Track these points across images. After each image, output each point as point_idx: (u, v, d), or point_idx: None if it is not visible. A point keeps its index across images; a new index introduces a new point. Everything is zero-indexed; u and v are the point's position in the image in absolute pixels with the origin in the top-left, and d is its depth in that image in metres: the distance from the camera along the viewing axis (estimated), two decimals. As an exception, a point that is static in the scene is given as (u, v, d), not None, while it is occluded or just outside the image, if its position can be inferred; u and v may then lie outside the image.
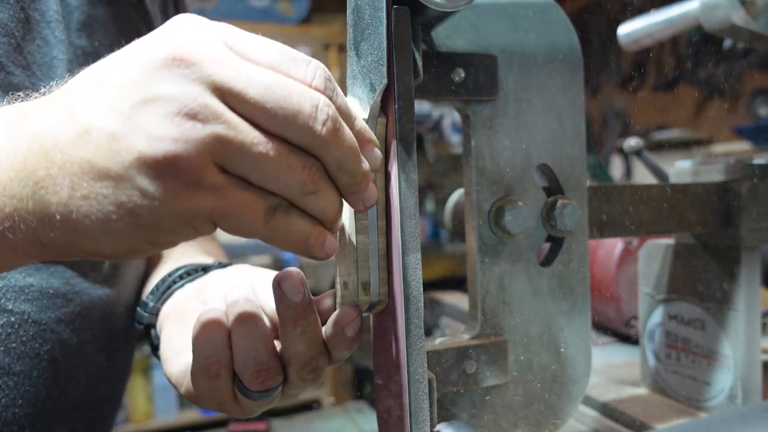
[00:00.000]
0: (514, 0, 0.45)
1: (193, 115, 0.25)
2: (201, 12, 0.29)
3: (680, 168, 0.59)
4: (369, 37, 0.33)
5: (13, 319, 0.45)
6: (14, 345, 0.45)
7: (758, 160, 0.58)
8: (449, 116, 2.82)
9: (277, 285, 0.34)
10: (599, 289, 0.83)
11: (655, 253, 0.61)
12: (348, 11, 0.36)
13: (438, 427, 0.38)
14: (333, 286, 0.37)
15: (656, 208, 0.51)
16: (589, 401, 0.62)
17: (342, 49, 2.72)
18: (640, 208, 0.50)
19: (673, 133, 2.70)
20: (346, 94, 0.34)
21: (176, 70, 0.26)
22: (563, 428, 0.48)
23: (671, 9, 0.58)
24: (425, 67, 0.40)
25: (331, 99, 0.29)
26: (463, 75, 0.42)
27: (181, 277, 0.49)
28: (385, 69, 0.32)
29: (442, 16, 0.36)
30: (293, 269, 0.35)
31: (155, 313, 0.48)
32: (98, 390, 0.54)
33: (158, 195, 0.25)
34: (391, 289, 0.34)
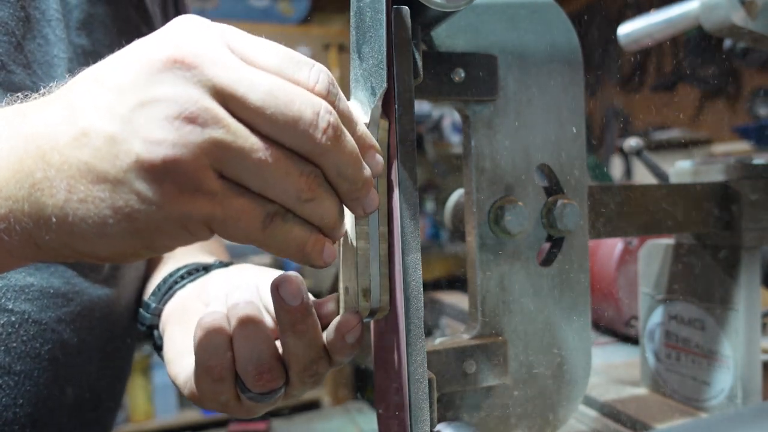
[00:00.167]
0: (514, 0, 0.45)
1: (192, 119, 0.25)
2: (201, 12, 0.29)
3: (680, 168, 0.59)
4: (370, 40, 0.33)
5: (13, 319, 0.45)
6: (15, 345, 0.45)
7: (758, 160, 0.58)
8: (449, 116, 2.82)
9: (275, 289, 0.34)
10: (599, 289, 0.83)
11: (655, 253, 0.61)
12: (351, 14, 0.36)
13: (438, 427, 0.38)
14: (333, 287, 0.37)
15: (656, 208, 0.51)
16: (589, 401, 0.62)
17: (342, 49, 2.72)
18: (640, 208, 0.50)
19: (673, 133, 2.70)
20: (348, 97, 0.34)
21: (176, 73, 0.26)
22: (563, 428, 0.48)
23: (671, 9, 0.58)
24: (425, 67, 0.40)
25: (333, 104, 0.29)
26: (463, 75, 0.42)
27: (182, 277, 0.49)
28: (385, 73, 0.32)
29: (442, 16, 0.36)
30: (292, 273, 0.35)
31: (157, 314, 0.48)
32: (98, 390, 0.54)
33: (156, 199, 0.25)
34: (392, 292, 0.34)
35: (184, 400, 2.31)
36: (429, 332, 1.12)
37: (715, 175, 0.56)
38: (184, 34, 0.27)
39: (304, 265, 0.31)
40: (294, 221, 0.29)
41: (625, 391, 0.64)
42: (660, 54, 2.89)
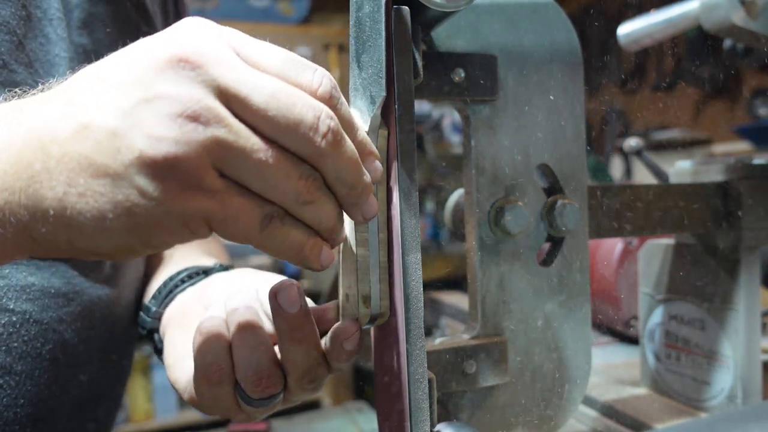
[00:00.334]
0: (514, 0, 0.45)
1: (195, 117, 0.25)
2: (201, 12, 0.29)
3: (680, 168, 0.59)
4: (369, 50, 0.33)
5: (14, 319, 0.45)
6: (16, 345, 0.45)
7: (758, 160, 0.58)
8: (449, 116, 2.82)
9: (273, 297, 0.34)
10: (599, 289, 0.83)
11: (655, 253, 0.61)
12: (350, 23, 0.36)
13: (438, 427, 0.38)
14: (333, 288, 0.37)
15: (656, 208, 0.51)
16: (589, 401, 0.62)
17: (342, 49, 2.72)
18: (640, 208, 0.50)
19: (673, 133, 2.70)
20: (348, 104, 0.34)
21: (180, 71, 0.26)
22: (563, 428, 0.48)
23: (671, 9, 0.58)
24: (425, 67, 0.40)
25: (334, 108, 0.29)
26: (463, 75, 0.42)
27: (182, 281, 0.49)
28: (384, 81, 0.32)
29: (442, 16, 0.36)
30: (290, 280, 0.35)
31: (158, 318, 0.48)
32: (99, 390, 0.54)
33: (156, 195, 0.25)
34: (392, 295, 0.34)
35: (185, 400, 2.31)
36: (429, 332, 1.12)
37: (715, 175, 0.56)
38: (190, 35, 0.27)
39: (302, 268, 0.31)
40: (292, 224, 0.29)
41: (625, 391, 0.64)
42: (660, 54, 2.89)
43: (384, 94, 0.32)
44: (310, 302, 0.38)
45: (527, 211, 0.44)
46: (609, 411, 0.60)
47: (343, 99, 0.30)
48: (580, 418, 0.61)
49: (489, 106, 0.44)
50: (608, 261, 0.82)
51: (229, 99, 0.26)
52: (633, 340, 0.84)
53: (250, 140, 0.26)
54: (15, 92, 0.30)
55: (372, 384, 0.41)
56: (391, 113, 0.33)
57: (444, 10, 0.34)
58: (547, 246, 0.48)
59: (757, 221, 0.53)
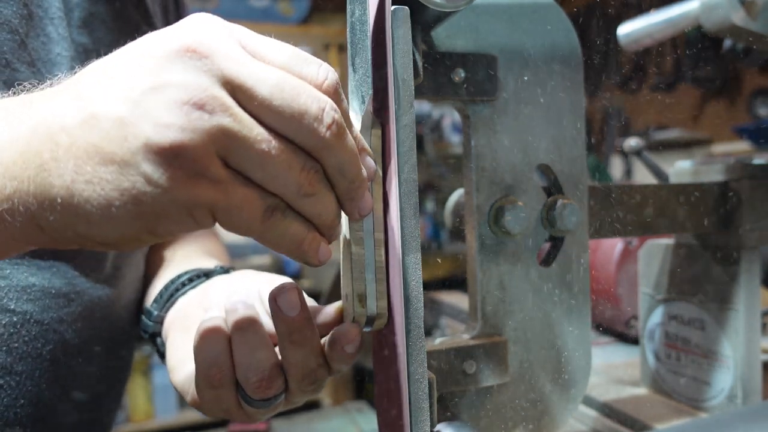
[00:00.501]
0: (514, 0, 0.45)
1: (201, 105, 0.25)
2: (201, 12, 0.30)
3: (680, 168, 0.59)
4: (360, 52, 0.34)
5: (15, 319, 0.45)
6: (16, 345, 0.45)
7: (758, 160, 0.58)
8: (449, 116, 2.82)
9: (273, 300, 0.34)
10: (599, 289, 0.83)
11: (655, 253, 0.61)
12: (347, 29, 0.36)
13: (438, 427, 0.38)
14: (333, 287, 0.37)
15: (656, 208, 0.51)
16: (589, 401, 0.62)
17: (342, 49, 2.72)
18: (640, 208, 0.50)
19: (673, 133, 2.70)
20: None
21: (188, 61, 0.26)
22: (563, 428, 0.48)
23: (671, 9, 0.58)
24: (425, 67, 0.40)
25: (338, 103, 0.29)
26: (463, 75, 0.42)
27: (183, 284, 0.49)
28: (371, 81, 0.32)
29: (442, 16, 0.36)
30: (291, 283, 0.35)
31: (160, 322, 0.48)
32: (99, 390, 0.54)
33: (162, 182, 0.25)
34: (390, 297, 0.34)
35: (185, 401, 2.31)
36: (429, 332, 1.12)
37: (715, 175, 0.56)
38: (198, 27, 0.27)
39: (302, 264, 0.31)
40: (293, 217, 0.29)
41: (625, 391, 0.64)
42: (660, 54, 2.89)
43: (371, 92, 0.33)
44: (311, 301, 0.38)
45: (527, 211, 0.44)
46: (609, 411, 0.60)
47: (344, 96, 0.30)
48: (580, 418, 0.61)
49: (489, 106, 0.44)
50: (608, 261, 0.82)
51: (235, 89, 0.27)
52: (633, 340, 0.84)
53: (255, 130, 0.27)
54: (24, 86, 0.31)
55: (372, 383, 0.41)
56: (387, 112, 0.33)
57: (444, 10, 0.34)
58: (547, 246, 0.48)
59: (757, 221, 0.53)
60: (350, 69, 0.36)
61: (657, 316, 0.62)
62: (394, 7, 0.33)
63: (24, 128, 0.27)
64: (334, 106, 0.28)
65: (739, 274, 0.54)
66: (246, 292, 0.42)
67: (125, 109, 0.25)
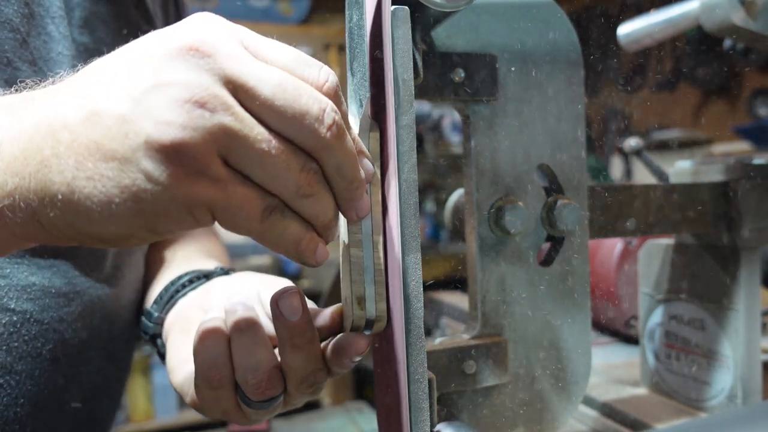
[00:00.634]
0: (514, 0, 0.45)
1: (202, 104, 0.26)
2: (201, 12, 0.30)
3: (680, 168, 0.59)
4: (358, 56, 0.34)
5: (15, 319, 0.45)
6: (16, 344, 0.45)
7: (758, 160, 0.58)
8: (449, 116, 2.82)
9: (275, 304, 0.34)
10: (599, 289, 0.83)
11: (655, 253, 0.61)
12: (346, 34, 0.36)
13: (438, 427, 0.38)
14: (333, 288, 0.37)
15: (656, 208, 0.51)
16: (589, 401, 0.62)
17: (342, 49, 2.72)
18: (640, 208, 0.50)
19: (673, 133, 2.70)
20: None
21: (190, 60, 0.26)
22: (563, 428, 0.48)
23: (671, 9, 0.58)
24: (425, 67, 0.40)
25: (338, 105, 0.29)
26: (463, 75, 0.42)
27: (183, 286, 0.49)
28: (368, 84, 0.33)
29: (442, 16, 0.36)
30: (292, 286, 0.35)
31: (160, 323, 0.48)
32: (99, 389, 0.54)
33: (162, 180, 0.25)
34: (390, 298, 0.34)
35: (185, 401, 2.30)
36: (429, 332, 1.12)
37: (715, 175, 0.56)
38: (201, 26, 0.28)
39: (300, 265, 0.31)
40: (291, 217, 0.29)
41: (625, 391, 0.64)
42: (660, 54, 2.89)
43: (368, 95, 0.33)
44: (311, 304, 0.38)
45: (527, 211, 0.44)
46: (609, 411, 0.60)
47: (344, 99, 0.31)
48: (580, 418, 0.61)
49: (489, 106, 0.44)
50: (608, 261, 0.82)
51: (236, 89, 0.27)
52: (633, 340, 0.84)
53: (255, 129, 0.27)
54: (26, 83, 0.31)
55: (372, 384, 0.41)
56: (386, 113, 0.34)
57: (444, 10, 0.34)
58: (547, 246, 0.48)
59: (757, 221, 0.53)
60: (348, 73, 0.36)
61: (657, 316, 0.62)
62: (394, 7, 0.33)
63: (26, 125, 0.27)
64: (335, 107, 0.29)
65: (739, 274, 0.54)
66: (246, 294, 0.42)
67: (127, 106, 0.26)
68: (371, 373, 0.41)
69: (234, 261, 0.54)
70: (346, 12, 0.35)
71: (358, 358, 0.35)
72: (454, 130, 2.86)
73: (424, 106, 2.62)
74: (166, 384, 0.42)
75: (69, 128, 0.26)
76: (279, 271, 2.18)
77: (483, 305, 0.45)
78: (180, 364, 0.41)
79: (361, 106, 0.34)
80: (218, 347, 0.36)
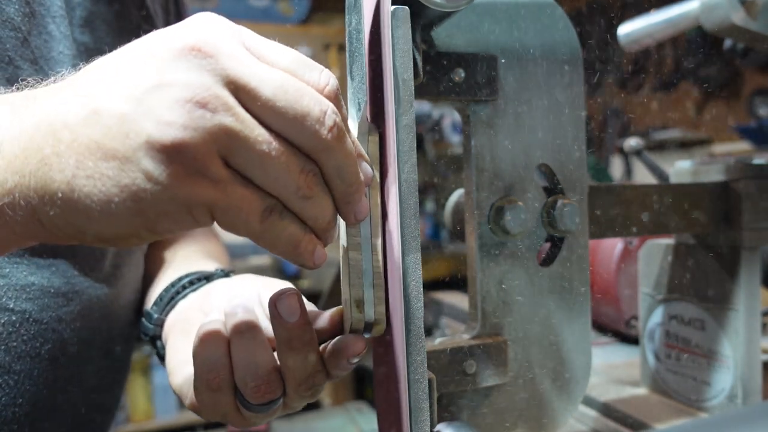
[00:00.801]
0: (513, 0, 0.45)
1: (204, 104, 0.26)
2: (200, 12, 0.30)
3: (680, 168, 0.59)
4: (357, 60, 0.34)
5: (14, 318, 0.45)
6: (15, 344, 0.45)
7: (758, 160, 0.58)
8: (449, 116, 2.82)
9: (273, 305, 0.34)
10: (599, 289, 0.83)
11: (655, 253, 0.61)
12: (346, 38, 0.36)
13: (438, 427, 0.38)
14: (333, 287, 0.37)
15: (656, 208, 0.51)
16: (589, 401, 0.62)
17: (342, 49, 2.72)
18: (640, 208, 0.50)
19: (673, 133, 2.70)
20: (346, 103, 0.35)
21: (192, 60, 0.26)
22: (563, 428, 0.48)
23: (671, 9, 0.58)
24: (425, 67, 0.40)
25: (338, 108, 0.29)
26: (463, 75, 0.42)
27: (184, 287, 0.49)
28: (366, 88, 0.33)
29: (442, 16, 0.36)
30: (290, 288, 0.35)
31: (160, 325, 0.48)
32: (98, 389, 0.54)
33: (162, 180, 0.25)
34: (389, 299, 0.34)
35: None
36: (429, 332, 1.12)
37: (715, 175, 0.56)
38: (203, 27, 0.28)
39: (296, 265, 0.31)
40: (290, 219, 0.29)
41: (625, 391, 0.64)
42: (660, 54, 2.89)
43: (366, 99, 0.33)
44: (311, 306, 0.38)
45: (527, 211, 0.44)
46: (609, 411, 0.60)
47: (344, 103, 0.31)
48: (580, 418, 0.61)
49: (489, 106, 0.44)
50: (608, 261, 0.82)
51: (238, 89, 0.27)
52: (633, 340, 0.84)
53: (256, 131, 0.27)
54: (27, 82, 0.31)
55: (372, 384, 0.41)
56: (386, 113, 0.34)
57: (444, 10, 0.34)
58: (547, 246, 0.48)
59: (757, 221, 0.53)
60: (348, 78, 0.36)
61: (657, 316, 0.62)
62: (394, 7, 0.33)
63: (27, 123, 0.27)
64: (335, 109, 0.29)
65: (739, 274, 0.54)
66: (246, 296, 0.42)
67: (128, 106, 0.26)
68: (371, 373, 0.41)
69: (234, 261, 0.54)
70: (346, 17, 0.35)
71: (355, 360, 0.34)
72: (454, 130, 2.86)
73: (424, 106, 2.62)
74: (166, 384, 0.42)
75: (70, 127, 0.26)
76: (279, 271, 2.18)
77: (483, 305, 0.45)
78: (179, 365, 0.41)
79: (360, 109, 0.34)
80: (218, 350, 0.36)
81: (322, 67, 0.30)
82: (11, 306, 0.44)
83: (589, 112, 0.48)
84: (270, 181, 0.28)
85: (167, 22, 0.61)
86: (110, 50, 0.29)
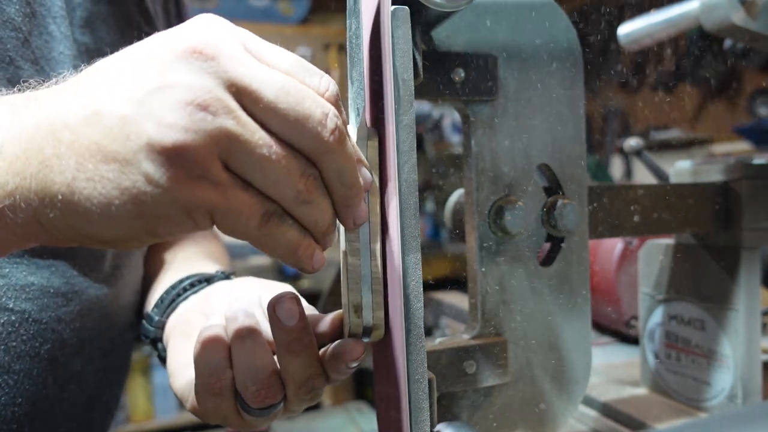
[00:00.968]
0: (514, 0, 0.45)
1: (205, 107, 0.25)
2: (201, 12, 0.30)
3: (680, 168, 0.59)
4: (356, 65, 0.34)
5: (13, 318, 0.45)
6: (14, 344, 0.45)
7: (758, 160, 0.58)
8: (449, 116, 2.82)
9: (272, 309, 0.34)
10: (599, 289, 0.83)
11: (655, 253, 0.61)
12: (347, 42, 0.36)
13: (438, 427, 0.38)
14: (333, 287, 0.37)
15: (656, 208, 0.51)
16: (589, 401, 0.62)
17: (342, 49, 2.72)
18: (640, 208, 0.50)
19: (673, 133, 2.70)
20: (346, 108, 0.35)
21: (194, 63, 0.26)
22: (563, 428, 0.48)
23: (671, 9, 0.58)
24: (425, 67, 0.40)
25: (339, 112, 0.29)
26: (463, 75, 0.42)
27: (185, 289, 0.49)
28: (364, 93, 0.33)
29: (442, 16, 0.36)
30: (290, 292, 0.35)
31: (161, 327, 0.48)
32: (97, 389, 0.54)
33: (162, 183, 0.25)
34: (387, 300, 0.34)
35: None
36: (429, 332, 1.12)
37: (715, 175, 0.56)
38: (205, 29, 0.27)
39: (295, 268, 0.31)
40: (290, 224, 0.29)
41: (625, 391, 0.64)
42: (660, 54, 2.89)
43: (364, 104, 0.33)
44: (311, 309, 0.38)
45: (527, 211, 0.44)
46: (609, 411, 0.60)
47: (343, 107, 0.31)
48: (580, 418, 0.61)
49: (489, 106, 0.44)
50: (608, 261, 0.82)
51: (239, 92, 0.27)
52: (633, 340, 0.84)
53: (257, 134, 0.27)
54: (29, 83, 0.31)
55: (372, 384, 0.41)
56: (385, 118, 0.34)
57: (444, 10, 0.34)
58: (547, 246, 0.48)
59: (757, 221, 0.53)
60: (348, 83, 0.36)
61: (657, 316, 0.62)
62: (394, 7, 0.33)
63: (27, 124, 0.27)
64: (336, 112, 0.29)
65: (739, 274, 0.54)
66: (247, 299, 0.42)
67: (129, 108, 0.25)
68: (371, 373, 0.41)
69: (234, 262, 0.54)
70: (347, 21, 0.35)
71: (354, 364, 0.35)
72: (454, 130, 2.85)
73: (424, 106, 2.62)
74: (166, 384, 0.42)
75: (70, 127, 0.26)
76: (278, 271, 2.18)
77: (483, 305, 0.45)
78: (180, 368, 0.41)
79: (359, 114, 0.34)
80: (219, 355, 0.36)
81: (322, 72, 0.30)
82: (11, 306, 0.44)
83: (590, 112, 0.48)
84: (270, 185, 0.28)
85: (168, 23, 0.61)
86: (111, 51, 0.29)
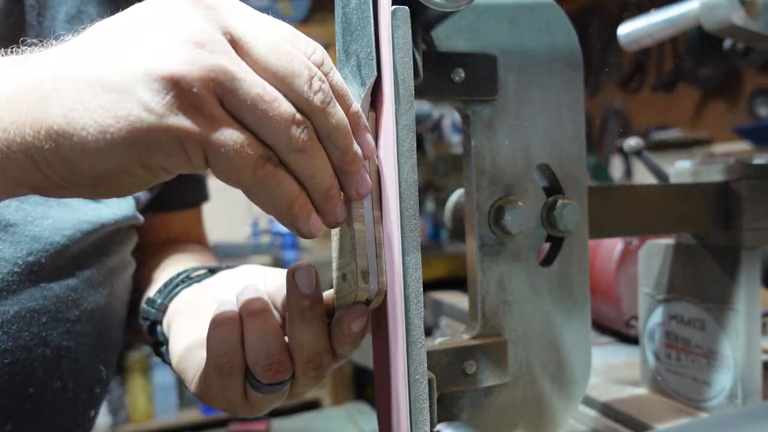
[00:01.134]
0: (514, 0, 0.45)
1: (203, 44, 0.27)
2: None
3: (680, 168, 0.59)
4: (358, 38, 0.34)
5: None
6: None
7: (758, 160, 0.58)
8: (449, 116, 2.82)
9: (291, 275, 0.35)
10: (599, 289, 0.83)
11: (655, 253, 0.61)
12: (336, 21, 0.36)
13: (438, 427, 0.38)
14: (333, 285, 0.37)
15: (656, 208, 0.51)
16: (589, 401, 0.62)
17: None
18: (640, 208, 0.50)
19: (673, 133, 2.70)
20: None
21: (194, 9, 0.28)
22: (563, 428, 0.48)
23: (671, 9, 0.58)
24: (425, 67, 0.40)
25: (326, 75, 0.30)
26: (463, 75, 0.42)
27: (189, 277, 0.50)
28: (375, 62, 0.33)
29: (442, 16, 0.36)
30: (307, 263, 0.36)
31: (163, 310, 0.49)
32: (87, 391, 0.54)
33: (158, 110, 0.26)
34: (388, 293, 0.34)
35: (184, 400, 2.31)
36: (429, 332, 1.12)
37: (715, 175, 0.56)
38: None
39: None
40: (285, 173, 0.29)
41: (625, 391, 0.64)
42: (660, 54, 2.89)
43: (375, 74, 0.33)
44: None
45: (527, 211, 0.44)
46: (609, 411, 0.60)
47: (335, 70, 0.31)
48: (580, 418, 0.61)
49: (489, 106, 0.44)
50: (608, 261, 0.82)
51: (234, 41, 0.28)
52: (633, 340, 0.84)
53: (251, 74, 0.28)
54: (27, 43, 0.32)
55: (372, 384, 0.41)
56: (379, 96, 0.34)
57: (444, 10, 0.34)
58: (547, 246, 0.48)
59: (757, 221, 0.53)
60: (342, 59, 0.36)
61: (657, 316, 0.62)
62: (394, 7, 0.33)
63: (32, 71, 0.28)
64: (322, 77, 0.30)
65: (739, 274, 0.54)
66: (254, 282, 0.43)
67: (129, 43, 0.27)
68: (371, 373, 0.41)
69: (234, 261, 0.54)
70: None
71: (357, 327, 0.35)
72: (454, 130, 2.86)
73: (424, 106, 2.62)
74: (166, 384, 0.42)
75: (72, 63, 0.27)
76: (279, 267, 2.18)
77: (483, 305, 0.45)
78: (187, 350, 0.41)
79: (363, 84, 0.34)
80: (233, 334, 0.36)
81: (310, 39, 0.31)
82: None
83: (590, 112, 0.48)
84: (263, 127, 0.28)
85: None
86: None
